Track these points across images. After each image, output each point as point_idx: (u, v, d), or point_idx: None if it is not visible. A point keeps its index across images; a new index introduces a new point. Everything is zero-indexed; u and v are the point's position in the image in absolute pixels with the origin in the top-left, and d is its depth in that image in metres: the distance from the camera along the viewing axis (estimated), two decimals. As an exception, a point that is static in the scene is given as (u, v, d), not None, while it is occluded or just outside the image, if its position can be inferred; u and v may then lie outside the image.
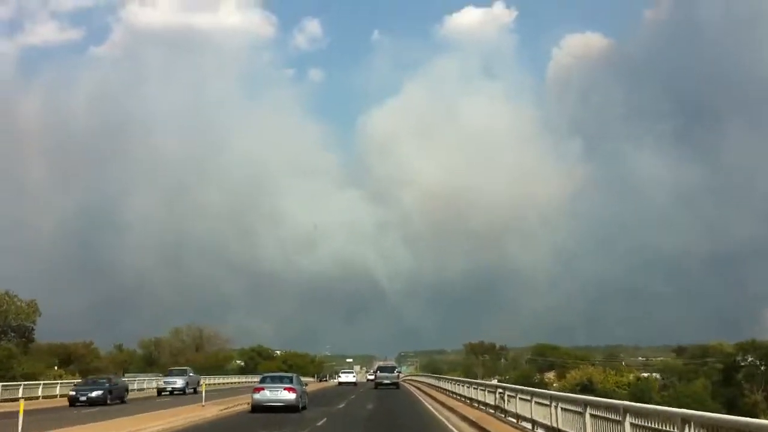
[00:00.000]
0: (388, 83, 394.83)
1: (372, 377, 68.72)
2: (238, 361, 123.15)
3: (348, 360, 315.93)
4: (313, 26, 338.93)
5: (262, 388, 26.90)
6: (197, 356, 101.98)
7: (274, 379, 28.67)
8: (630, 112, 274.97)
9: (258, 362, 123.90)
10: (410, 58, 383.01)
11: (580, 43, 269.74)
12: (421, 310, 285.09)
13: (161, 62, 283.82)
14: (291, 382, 27.66)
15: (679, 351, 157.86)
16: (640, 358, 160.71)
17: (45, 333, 66.42)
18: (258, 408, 26.25)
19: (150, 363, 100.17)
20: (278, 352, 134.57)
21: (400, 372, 70.75)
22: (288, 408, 26.00)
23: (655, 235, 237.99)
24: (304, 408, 27.32)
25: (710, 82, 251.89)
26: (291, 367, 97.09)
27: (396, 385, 54.93)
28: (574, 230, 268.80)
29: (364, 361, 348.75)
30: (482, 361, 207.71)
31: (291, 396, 26.37)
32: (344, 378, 71.32)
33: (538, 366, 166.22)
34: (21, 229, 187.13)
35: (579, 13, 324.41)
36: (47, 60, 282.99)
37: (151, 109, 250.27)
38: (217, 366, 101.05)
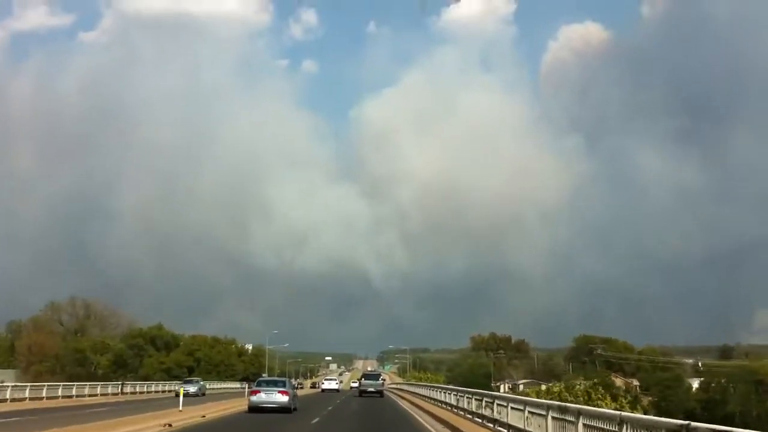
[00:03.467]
0: (384, 75, 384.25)
1: (356, 385, 65.51)
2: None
3: (327, 358, 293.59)
4: (308, 16, 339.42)
5: (259, 391, 30.06)
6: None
7: (269, 383, 31.97)
8: (630, 107, 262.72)
9: (145, 352, 76.20)
10: (407, 50, 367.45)
11: (577, 35, 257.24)
12: (408, 308, 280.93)
13: (152, 49, 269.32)
14: (284, 386, 31.12)
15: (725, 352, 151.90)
16: (686, 360, 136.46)
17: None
18: (254, 409, 29.07)
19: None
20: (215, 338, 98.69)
21: (384, 380, 66.61)
22: (281, 409, 28.98)
23: (651, 235, 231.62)
24: (295, 409, 30.15)
25: (715, 77, 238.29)
26: (199, 361, 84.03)
27: (380, 393, 54.30)
28: (571, 226, 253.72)
29: (344, 360, 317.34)
30: (494, 358, 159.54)
31: (284, 398, 29.52)
32: (327, 385, 74.97)
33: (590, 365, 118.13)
34: (8, 217, 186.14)
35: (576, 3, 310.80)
36: (37, 45, 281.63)
37: (141, 96, 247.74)
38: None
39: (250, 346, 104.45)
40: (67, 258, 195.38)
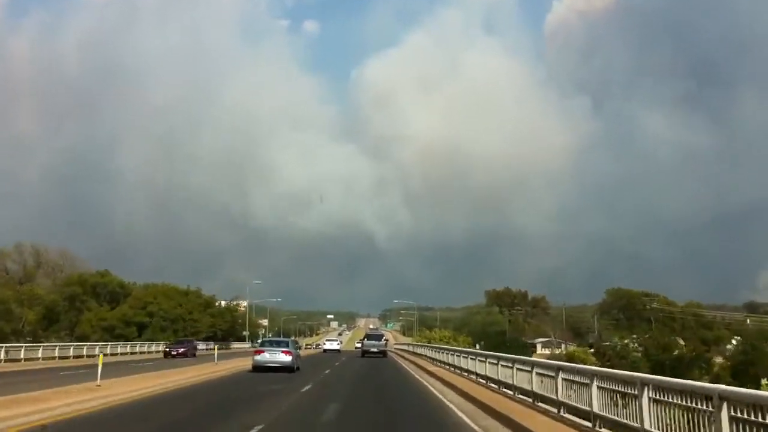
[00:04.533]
0: (387, 36, 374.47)
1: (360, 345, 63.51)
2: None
3: (329, 316, 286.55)
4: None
5: (263, 351, 30.37)
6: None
7: (272, 344, 32.39)
8: (636, 68, 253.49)
9: (84, 305, 57.82)
10: (410, 10, 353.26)
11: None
12: (411, 267, 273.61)
13: (152, 8, 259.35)
14: (288, 346, 31.24)
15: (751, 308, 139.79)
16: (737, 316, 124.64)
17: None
18: (258, 368, 29.27)
19: None
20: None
21: (387, 340, 65.09)
22: (284, 368, 29.09)
23: (657, 198, 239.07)
24: (297, 369, 30.26)
25: (723, 40, 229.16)
26: (152, 316, 67.34)
27: (383, 353, 52.83)
28: (576, 187, 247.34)
29: (346, 318, 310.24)
30: (509, 315, 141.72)
31: (287, 358, 29.66)
32: (329, 345, 74.29)
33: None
34: (8, 176, 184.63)
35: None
36: (37, 2, 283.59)
37: (141, 56, 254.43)
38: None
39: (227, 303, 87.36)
40: (66, 219, 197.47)
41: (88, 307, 66.38)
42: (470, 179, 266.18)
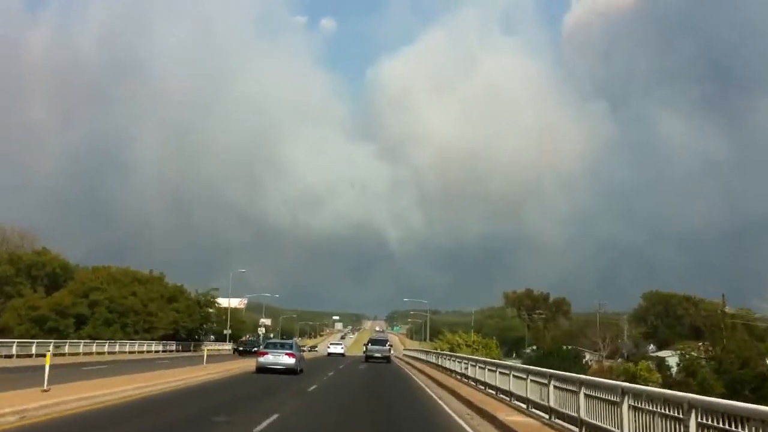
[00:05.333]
0: (403, 34, 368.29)
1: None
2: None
3: (334, 317, 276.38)
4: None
5: (266, 353, 30.20)
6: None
7: (276, 345, 32.05)
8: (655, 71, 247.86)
9: (15, 289, 42.57)
10: (427, 8, 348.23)
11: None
12: (420, 270, 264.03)
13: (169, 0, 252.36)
14: (291, 348, 31.13)
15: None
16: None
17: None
18: (262, 369, 28.92)
19: None
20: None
21: (392, 345, 65.24)
22: (288, 371, 28.62)
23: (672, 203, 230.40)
24: (301, 371, 30.16)
25: (743, 41, 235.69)
26: (94, 306, 55.21)
27: (387, 359, 51.36)
28: (591, 192, 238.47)
29: (352, 320, 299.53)
30: (528, 320, 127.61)
31: (291, 360, 29.34)
32: (333, 349, 74.49)
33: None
34: (23, 167, 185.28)
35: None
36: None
37: (156, 49, 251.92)
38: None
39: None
40: (79, 212, 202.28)
41: (20, 292, 53.29)
42: (484, 182, 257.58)
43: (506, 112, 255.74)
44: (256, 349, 58.75)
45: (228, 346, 67.82)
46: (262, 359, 29.54)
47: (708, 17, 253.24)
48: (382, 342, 56.81)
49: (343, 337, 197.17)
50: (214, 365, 32.79)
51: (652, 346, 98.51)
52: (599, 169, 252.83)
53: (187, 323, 60.35)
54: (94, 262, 63.13)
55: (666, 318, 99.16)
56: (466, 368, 26.98)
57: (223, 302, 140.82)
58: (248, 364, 32.28)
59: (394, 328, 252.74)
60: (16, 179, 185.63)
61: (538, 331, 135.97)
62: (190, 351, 58.73)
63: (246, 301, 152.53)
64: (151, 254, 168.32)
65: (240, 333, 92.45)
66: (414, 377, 33.85)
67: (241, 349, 56.95)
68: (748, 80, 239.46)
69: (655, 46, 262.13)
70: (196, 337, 68.49)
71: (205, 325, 68.90)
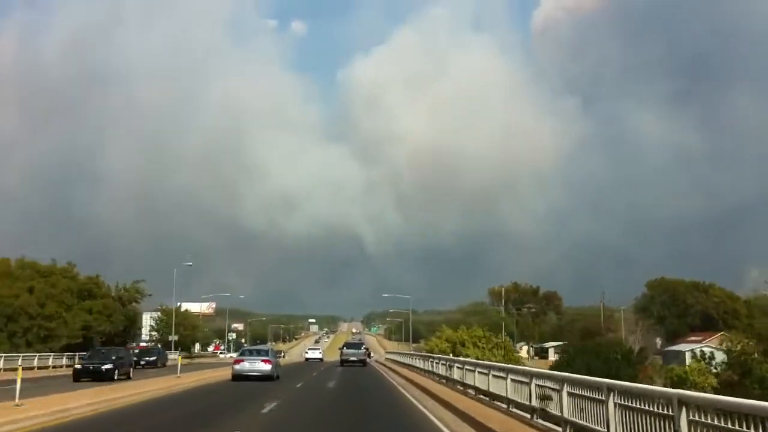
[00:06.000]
0: (374, 34, 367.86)
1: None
2: None
3: (311, 321, 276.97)
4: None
5: (242, 360, 29.54)
6: None
7: (252, 352, 31.76)
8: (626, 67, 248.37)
9: None
10: (397, 7, 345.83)
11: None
12: (395, 271, 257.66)
13: (138, 6, 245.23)
14: (267, 354, 30.81)
15: None
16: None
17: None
18: (238, 377, 28.43)
19: None
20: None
21: (367, 348, 64.56)
22: (264, 377, 28.33)
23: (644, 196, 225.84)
24: (278, 377, 29.42)
25: (715, 35, 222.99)
26: None
27: (362, 362, 50.50)
28: (566, 190, 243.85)
29: (328, 322, 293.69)
30: (517, 315, 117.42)
31: (267, 367, 28.89)
32: (311, 354, 74.78)
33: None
34: None
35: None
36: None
37: (126, 55, 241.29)
38: None
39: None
40: (51, 220, 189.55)
41: None
42: (459, 180, 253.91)
43: (478, 109, 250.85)
44: (146, 361, 43.24)
45: (174, 356, 54.61)
46: (237, 366, 29.09)
47: (678, 10, 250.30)
48: (357, 345, 56.78)
49: (317, 341, 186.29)
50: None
51: (658, 340, 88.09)
52: (572, 165, 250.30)
53: (105, 327, 47.29)
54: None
55: (673, 307, 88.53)
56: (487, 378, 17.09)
57: (188, 306, 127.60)
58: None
59: (372, 329, 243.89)
60: None
61: (527, 327, 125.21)
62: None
63: (214, 306, 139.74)
64: (122, 261, 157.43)
65: (189, 340, 79.68)
66: (406, 393, 23.57)
67: (81, 367, 29.26)
68: (719, 72, 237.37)
69: (625, 40, 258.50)
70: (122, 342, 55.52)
71: (132, 330, 55.68)
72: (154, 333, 77.64)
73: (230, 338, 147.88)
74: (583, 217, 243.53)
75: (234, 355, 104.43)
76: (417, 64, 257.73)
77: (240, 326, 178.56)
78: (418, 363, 34.67)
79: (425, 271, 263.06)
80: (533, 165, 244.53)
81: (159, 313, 76.67)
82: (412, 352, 53.23)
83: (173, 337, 68.02)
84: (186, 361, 58.30)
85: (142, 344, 65.85)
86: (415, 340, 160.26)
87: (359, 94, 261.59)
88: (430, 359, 28.83)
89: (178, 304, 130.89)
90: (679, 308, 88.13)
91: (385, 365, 51.74)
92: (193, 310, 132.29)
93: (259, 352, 31.35)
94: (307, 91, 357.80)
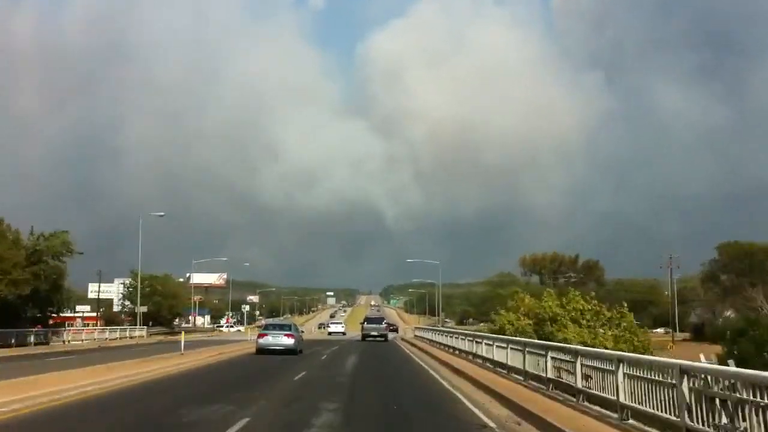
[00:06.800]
0: (392, 6, 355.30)
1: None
2: None
3: (329, 293, 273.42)
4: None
5: (266, 334, 30.54)
6: None
7: (275, 327, 32.98)
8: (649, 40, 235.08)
9: None
10: None
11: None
12: (415, 245, 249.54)
13: None
14: (290, 329, 31.80)
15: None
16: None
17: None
18: (262, 351, 29.16)
19: None
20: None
21: (388, 323, 63.63)
22: (287, 351, 28.92)
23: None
24: (300, 351, 30.31)
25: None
26: None
27: (384, 337, 49.93)
28: (585, 164, 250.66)
29: (346, 295, 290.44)
30: (554, 287, 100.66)
31: (290, 341, 29.70)
32: (333, 328, 73.46)
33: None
34: (11, 156, 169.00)
35: None
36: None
37: (146, 33, 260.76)
38: None
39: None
40: (72, 197, 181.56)
41: None
42: (480, 154, 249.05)
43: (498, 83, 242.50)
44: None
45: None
46: (261, 341, 29.77)
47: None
48: (378, 320, 54.63)
49: (332, 316, 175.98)
50: None
51: (729, 312, 73.14)
52: (595, 140, 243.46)
53: (3, 290, 33.59)
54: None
55: (751, 275, 73.11)
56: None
57: (199, 278, 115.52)
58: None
59: (391, 301, 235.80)
60: None
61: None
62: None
63: (225, 277, 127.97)
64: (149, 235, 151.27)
65: (167, 311, 66.52)
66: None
67: None
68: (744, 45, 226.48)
69: (650, 14, 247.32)
70: (41, 314, 41.61)
71: (55, 297, 41.74)
72: (127, 303, 64.51)
73: (244, 310, 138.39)
74: (605, 191, 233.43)
75: (241, 329, 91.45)
76: (435, 37, 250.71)
77: (255, 298, 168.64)
78: (483, 350, 21.72)
79: (444, 245, 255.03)
80: (552, 139, 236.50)
81: (130, 279, 63.47)
82: (459, 330, 39.49)
83: (140, 309, 54.79)
84: (161, 338, 45.05)
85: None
86: (435, 314, 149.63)
87: (378, 68, 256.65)
88: (527, 347, 15.85)
89: (188, 275, 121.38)
90: (756, 276, 72.90)
91: (416, 346, 38.76)
92: (203, 282, 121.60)
93: (282, 327, 32.76)
94: (324, 66, 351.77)
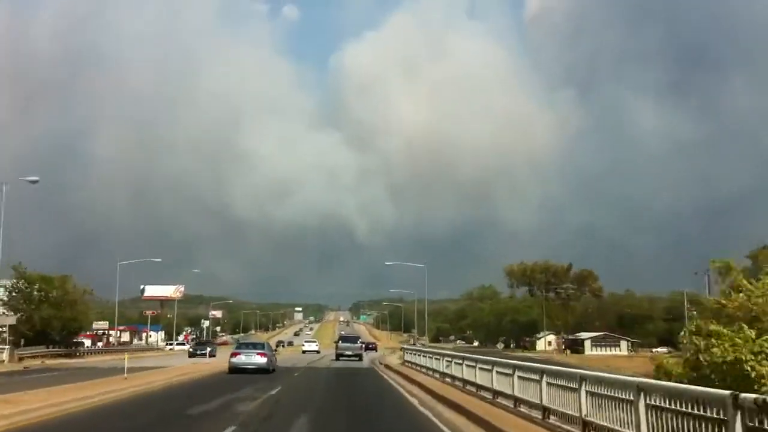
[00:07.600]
0: (367, 19, 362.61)
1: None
2: None
3: (297, 309, 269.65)
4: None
5: (239, 353, 30.33)
6: None
7: (248, 346, 33.15)
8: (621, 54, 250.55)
9: None
10: None
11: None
12: (386, 260, 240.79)
13: None
14: (263, 348, 31.89)
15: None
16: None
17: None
18: (234, 370, 28.86)
19: None
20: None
21: (364, 342, 61.11)
22: (260, 370, 28.86)
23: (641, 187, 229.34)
24: (273, 370, 30.17)
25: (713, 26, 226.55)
26: None
27: (359, 357, 47.41)
28: (558, 178, 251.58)
29: (315, 311, 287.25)
30: (548, 301, 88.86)
31: (263, 360, 29.70)
32: (307, 347, 71.91)
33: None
34: None
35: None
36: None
37: (116, 40, 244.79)
38: None
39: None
40: (41, 207, 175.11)
41: None
42: (453, 168, 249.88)
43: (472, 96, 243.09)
44: None
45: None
46: (234, 359, 29.64)
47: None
48: (353, 339, 52.18)
49: (296, 334, 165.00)
50: None
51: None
52: (568, 154, 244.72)
53: None
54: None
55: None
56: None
57: (153, 290, 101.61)
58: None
59: (361, 317, 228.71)
60: None
61: (554, 314, 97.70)
62: None
63: (182, 290, 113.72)
64: (117, 247, 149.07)
65: (64, 325, 51.01)
66: None
67: None
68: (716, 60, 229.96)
69: (622, 28, 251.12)
70: None
71: None
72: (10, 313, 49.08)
73: (203, 326, 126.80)
74: (577, 206, 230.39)
75: (186, 348, 78.30)
76: (412, 49, 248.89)
77: (218, 313, 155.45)
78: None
79: (417, 260, 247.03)
80: (526, 153, 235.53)
81: (14, 280, 48.16)
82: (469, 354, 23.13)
83: (7, 321, 39.45)
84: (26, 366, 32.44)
85: None
86: (407, 330, 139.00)
87: (352, 80, 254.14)
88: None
89: (142, 287, 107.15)
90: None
91: (407, 378, 25.14)
92: (158, 295, 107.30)
93: (255, 346, 32.83)
94: (298, 77, 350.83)
